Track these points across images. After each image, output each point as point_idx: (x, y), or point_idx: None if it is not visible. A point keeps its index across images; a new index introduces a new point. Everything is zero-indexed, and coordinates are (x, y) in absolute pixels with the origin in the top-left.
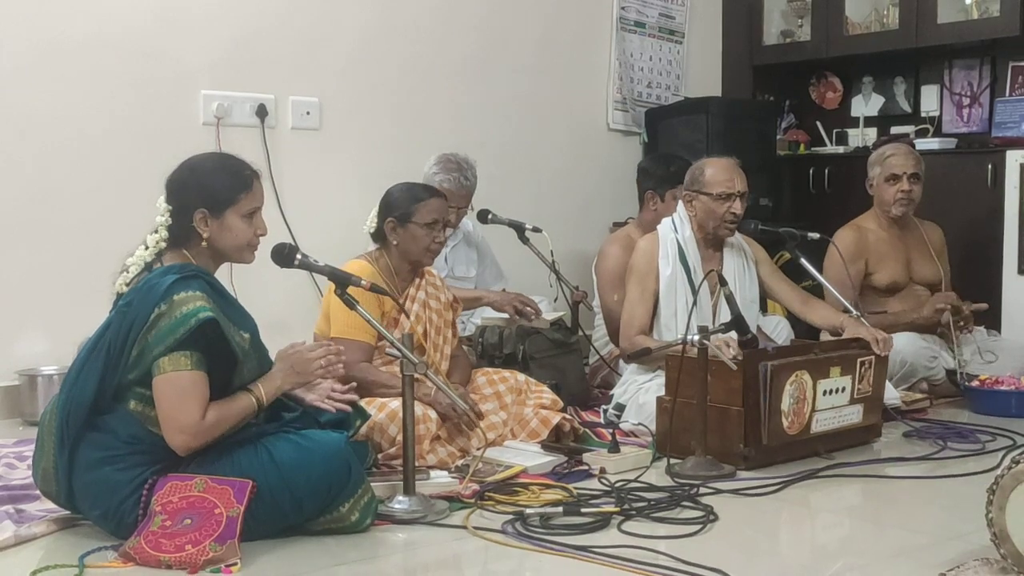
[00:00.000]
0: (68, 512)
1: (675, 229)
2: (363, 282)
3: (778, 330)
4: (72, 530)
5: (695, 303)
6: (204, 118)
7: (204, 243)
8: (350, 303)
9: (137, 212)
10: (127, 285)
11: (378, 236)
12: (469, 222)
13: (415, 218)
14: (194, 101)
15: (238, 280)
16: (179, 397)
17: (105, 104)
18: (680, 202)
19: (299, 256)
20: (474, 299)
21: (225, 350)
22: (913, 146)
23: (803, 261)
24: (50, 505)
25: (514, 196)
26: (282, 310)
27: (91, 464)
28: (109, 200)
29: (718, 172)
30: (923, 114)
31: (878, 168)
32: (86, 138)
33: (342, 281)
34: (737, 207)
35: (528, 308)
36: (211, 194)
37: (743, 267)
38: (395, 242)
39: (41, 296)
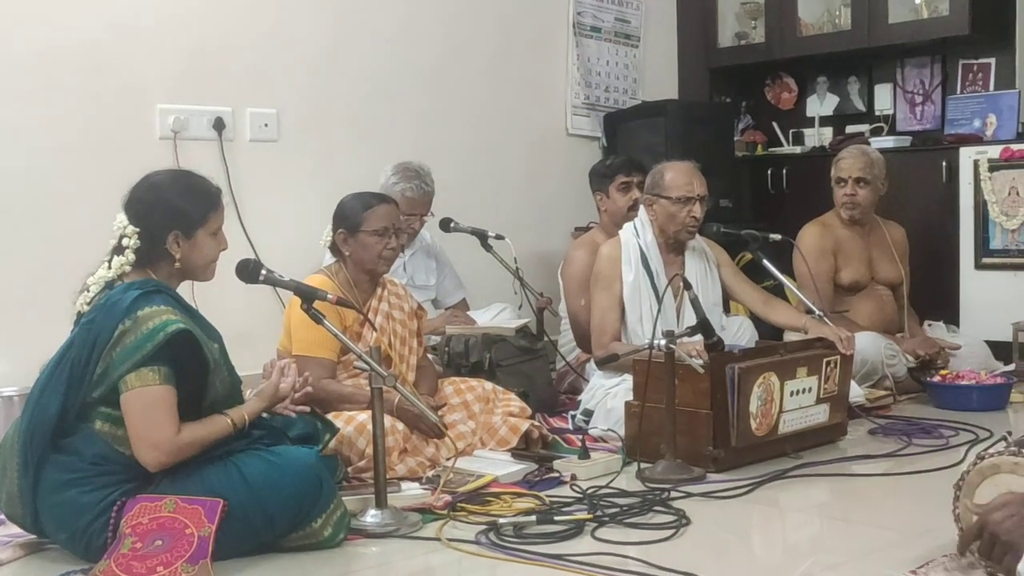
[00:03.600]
0: (34, 536)
1: (637, 234)
2: (329, 296)
3: (741, 331)
4: (40, 554)
5: (660, 308)
6: (161, 132)
7: (177, 264)
8: (317, 318)
9: (95, 228)
10: (88, 304)
11: (334, 248)
12: (427, 233)
13: (364, 226)
14: (150, 115)
15: (200, 295)
16: (149, 412)
17: (60, 120)
18: (641, 207)
19: (264, 272)
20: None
21: (195, 363)
22: (868, 144)
23: (766, 263)
24: (15, 530)
25: (475, 204)
26: (245, 324)
27: (57, 486)
28: (66, 217)
29: (677, 176)
30: (877, 112)
31: (833, 169)
32: (41, 155)
33: (308, 296)
34: (697, 211)
35: (458, 319)
36: (184, 216)
37: (705, 270)
38: (347, 252)
39: None
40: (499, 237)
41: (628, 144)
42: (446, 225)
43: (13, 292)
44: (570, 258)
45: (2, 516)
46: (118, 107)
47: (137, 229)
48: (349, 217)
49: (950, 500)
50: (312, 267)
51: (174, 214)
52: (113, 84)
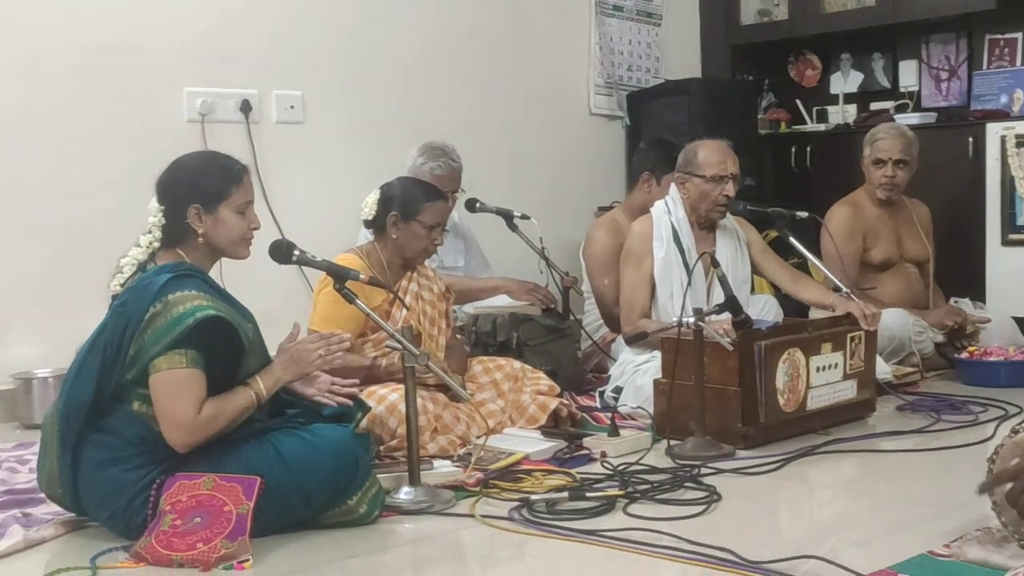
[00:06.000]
0: (75, 514)
1: (668, 211)
2: (361, 276)
3: (767, 309)
4: (81, 532)
5: (689, 284)
6: (188, 115)
7: (200, 239)
8: (350, 298)
9: (127, 212)
10: (121, 286)
11: (373, 224)
12: (456, 213)
13: (420, 217)
14: (178, 99)
15: (228, 277)
16: (174, 394)
17: (89, 105)
18: (673, 184)
19: (297, 252)
20: (491, 288)
21: (226, 346)
22: (893, 120)
23: (792, 240)
24: (56, 508)
25: (499, 184)
26: (272, 306)
27: (97, 465)
28: (98, 201)
29: (711, 154)
30: (902, 89)
31: (868, 149)
32: (73, 140)
33: (340, 276)
34: (730, 189)
35: (537, 295)
36: (203, 190)
37: (736, 248)
38: (394, 236)
39: (32, 299)
40: (524, 217)
41: (651, 124)
42: (471, 206)
43: (47, 276)
44: (591, 239)
45: (43, 495)
46: (146, 90)
47: (161, 207)
48: (408, 203)
49: (982, 475)
50: (338, 247)
51: (193, 188)
52: (141, 68)
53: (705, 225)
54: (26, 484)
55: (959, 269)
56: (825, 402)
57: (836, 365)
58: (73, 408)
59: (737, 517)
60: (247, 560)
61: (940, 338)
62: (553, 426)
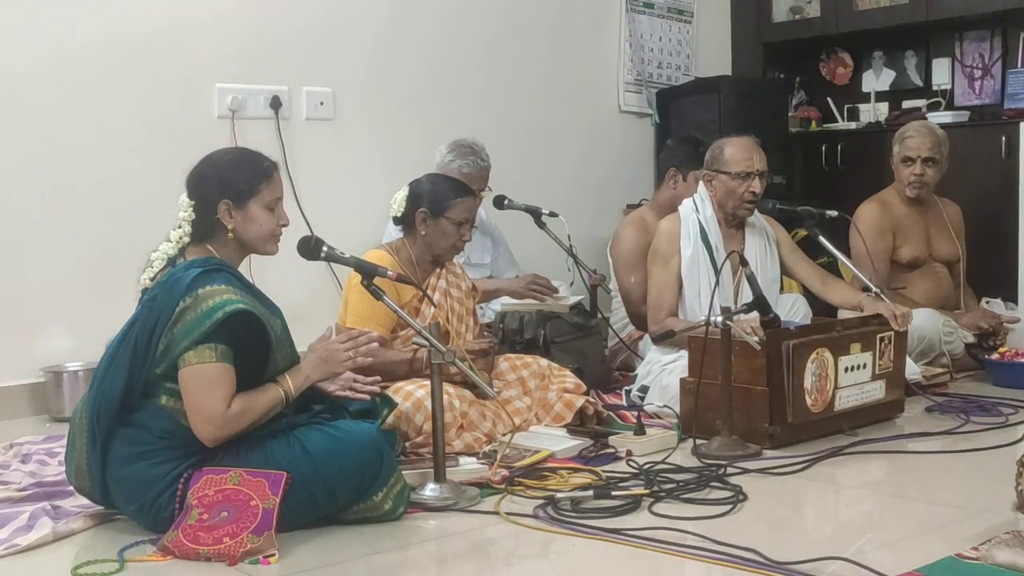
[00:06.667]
0: (103, 508)
1: (696, 209)
2: (389, 272)
3: (795, 308)
4: (109, 525)
5: (717, 283)
6: (219, 111)
7: (230, 235)
8: (377, 294)
9: (157, 207)
10: (151, 280)
11: (403, 221)
12: (483, 210)
13: (448, 214)
14: (209, 95)
15: (256, 273)
16: (205, 388)
17: (121, 101)
18: (701, 182)
19: (325, 248)
20: (493, 291)
21: (256, 341)
22: (926, 119)
23: (822, 239)
24: (85, 501)
25: (528, 181)
26: (301, 302)
27: (125, 460)
28: (129, 196)
29: (737, 151)
30: (935, 87)
31: (897, 147)
32: (104, 136)
33: (369, 272)
34: (756, 186)
35: (541, 287)
36: (233, 186)
37: (765, 247)
38: (423, 232)
39: (64, 293)
40: (553, 214)
41: (681, 121)
42: (500, 203)
43: (78, 270)
44: (619, 236)
45: (72, 487)
46: (177, 87)
47: (192, 202)
48: (437, 200)
49: (1010, 477)
50: (367, 244)
51: (223, 184)
52: (172, 64)
53: (733, 223)
54: (55, 477)
55: (991, 269)
56: (853, 402)
57: (865, 365)
58: (103, 403)
59: (763, 517)
60: (273, 555)
61: (970, 338)
62: (579, 424)
